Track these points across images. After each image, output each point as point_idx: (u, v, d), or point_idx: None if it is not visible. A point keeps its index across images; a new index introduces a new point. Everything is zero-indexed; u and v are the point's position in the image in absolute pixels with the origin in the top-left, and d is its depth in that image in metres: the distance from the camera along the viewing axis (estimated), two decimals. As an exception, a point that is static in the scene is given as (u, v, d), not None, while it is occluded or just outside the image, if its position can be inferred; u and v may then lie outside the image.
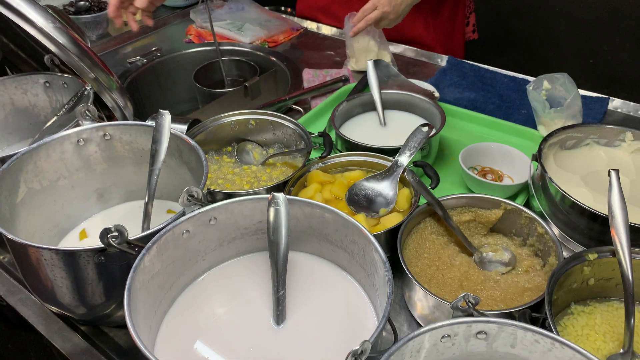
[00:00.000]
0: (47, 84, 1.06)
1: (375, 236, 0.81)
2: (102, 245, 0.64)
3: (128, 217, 0.95)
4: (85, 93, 0.99)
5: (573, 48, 1.89)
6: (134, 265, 0.61)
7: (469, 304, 0.56)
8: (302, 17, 1.77)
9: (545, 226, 0.80)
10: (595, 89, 1.32)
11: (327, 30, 1.71)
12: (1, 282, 0.90)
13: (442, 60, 1.49)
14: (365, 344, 0.48)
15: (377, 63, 1.22)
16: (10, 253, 0.77)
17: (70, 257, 0.67)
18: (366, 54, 1.41)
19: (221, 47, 1.57)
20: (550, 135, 0.94)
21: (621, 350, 0.70)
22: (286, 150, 1.08)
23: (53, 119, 0.98)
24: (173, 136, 0.84)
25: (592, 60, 3.24)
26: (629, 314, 0.69)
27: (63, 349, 0.78)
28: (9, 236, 0.67)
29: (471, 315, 0.57)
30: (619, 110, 1.26)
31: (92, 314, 0.76)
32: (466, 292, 0.74)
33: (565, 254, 0.78)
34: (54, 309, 0.80)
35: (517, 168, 1.00)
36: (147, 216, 0.82)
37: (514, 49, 3.02)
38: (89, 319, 0.80)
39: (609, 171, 0.75)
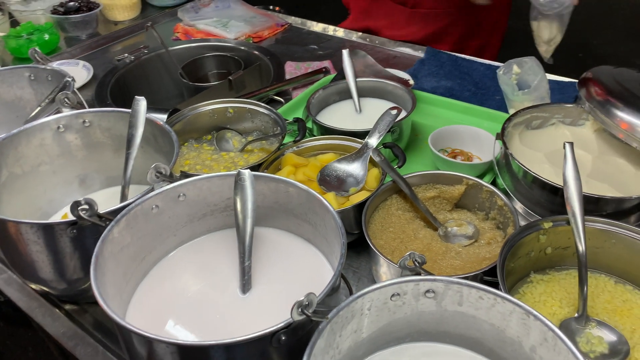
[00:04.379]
0: (32, 77, 1.09)
1: (343, 212, 0.85)
2: (74, 218, 0.68)
3: (109, 202, 0.96)
4: (67, 84, 1.02)
5: (562, 42, 1.92)
6: (102, 235, 0.65)
7: (416, 262, 0.59)
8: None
9: (504, 198, 0.82)
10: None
11: (311, 25, 1.75)
12: (-14, 264, 0.94)
13: (423, 52, 1.52)
14: (310, 295, 0.51)
15: (354, 53, 1.26)
16: (-7, 234, 0.81)
17: (45, 231, 0.71)
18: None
19: (207, 43, 1.61)
20: (514, 115, 0.97)
21: (576, 315, 0.72)
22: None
23: (36, 110, 1.02)
24: (148, 121, 0.88)
25: (581, 54, 3.27)
26: (582, 280, 0.72)
27: (43, 324, 0.81)
28: (-13, 213, 0.71)
29: (419, 274, 0.60)
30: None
31: (69, 290, 0.79)
32: (428, 262, 0.77)
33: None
34: (35, 286, 0.83)
35: (485, 149, 1.03)
36: (124, 199, 0.86)
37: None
38: (68, 295, 0.83)
39: (564, 144, 0.78)
